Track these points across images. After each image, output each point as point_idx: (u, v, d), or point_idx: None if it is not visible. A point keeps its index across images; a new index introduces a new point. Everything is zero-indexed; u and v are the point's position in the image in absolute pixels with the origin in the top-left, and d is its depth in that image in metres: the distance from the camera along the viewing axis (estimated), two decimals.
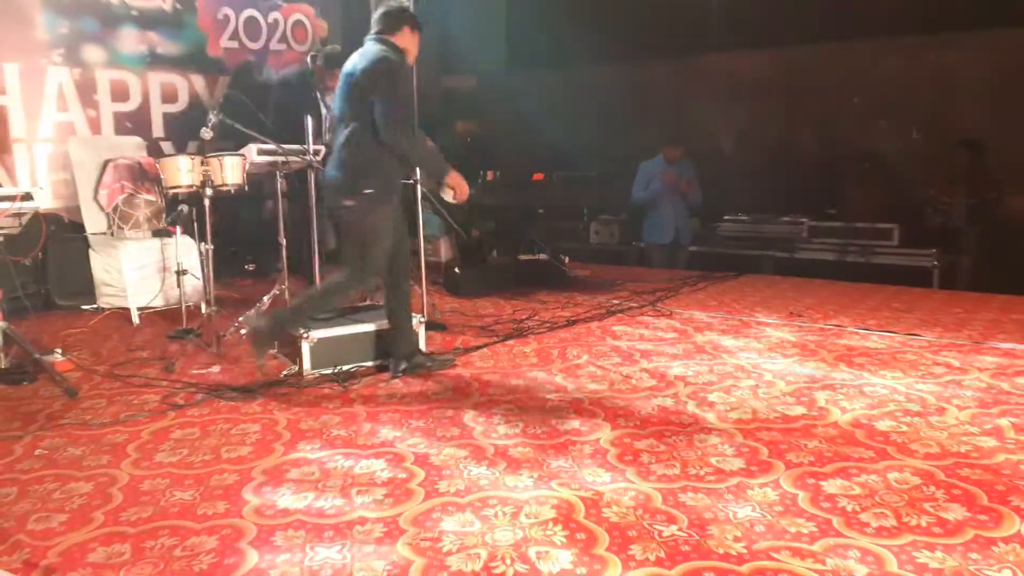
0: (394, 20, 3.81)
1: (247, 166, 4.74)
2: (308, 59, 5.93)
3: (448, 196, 3.78)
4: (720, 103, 8.21)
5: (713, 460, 2.79)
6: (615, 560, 2.14)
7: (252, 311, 4.78)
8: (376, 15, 3.86)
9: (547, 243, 6.64)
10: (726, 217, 7.80)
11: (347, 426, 3.23)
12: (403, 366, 3.95)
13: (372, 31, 3.84)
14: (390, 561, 2.16)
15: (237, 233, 6.47)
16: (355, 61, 3.79)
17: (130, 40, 6.63)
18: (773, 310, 5.30)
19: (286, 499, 2.57)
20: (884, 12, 6.84)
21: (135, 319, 5.27)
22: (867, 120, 7.46)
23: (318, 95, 5.77)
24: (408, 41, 3.84)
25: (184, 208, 4.96)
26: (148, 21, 6.72)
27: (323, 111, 5.74)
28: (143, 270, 5.45)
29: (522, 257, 6.64)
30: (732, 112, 8.20)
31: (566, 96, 8.83)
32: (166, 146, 6.72)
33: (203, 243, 4.71)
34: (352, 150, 3.70)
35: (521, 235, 6.46)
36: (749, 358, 4.12)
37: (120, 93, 6.59)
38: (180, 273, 4.78)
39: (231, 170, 4.59)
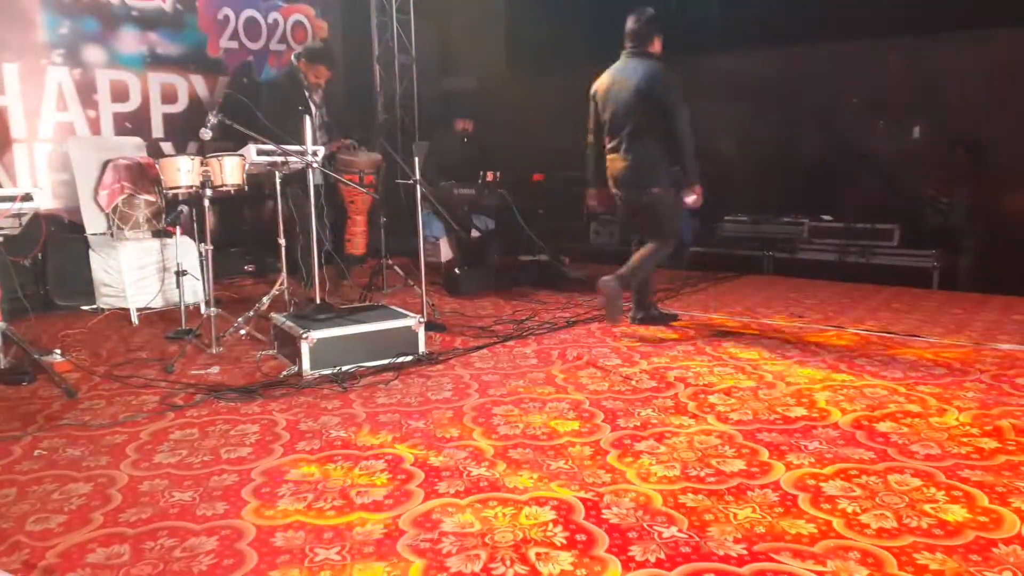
0: (646, 34, 4.54)
1: (246, 166, 4.74)
2: (293, 57, 5.95)
3: (690, 199, 4.53)
4: (720, 103, 8.19)
5: (713, 461, 2.79)
6: (615, 561, 2.13)
7: (251, 312, 4.79)
8: (629, 29, 4.56)
9: (547, 243, 6.63)
10: (726, 217, 7.79)
11: (346, 427, 3.23)
12: (640, 315, 4.85)
13: (629, 46, 4.58)
14: (390, 562, 2.16)
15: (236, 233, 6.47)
16: (625, 77, 4.53)
17: (130, 40, 6.63)
18: (775, 310, 5.30)
19: (285, 500, 2.56)
20: (884, 12, 6.83)
21: (134, 320, 5.27)
22: (867, 120, 7.45)
23: (307, 93, 5.77)
24: (658, 46, 4.58)
25: (184, 209, 4.96)
26: (148, 21, 6.73)
27: (312, 109, 5.73)
28: (143, 271, 5.46)
29: (522, 257, 6.64)
30: (732, 112, 8.19)
31: (566, 97, 8.81)
32: (166, 146, 6.73)
33: (203, 244, 4.71)
34: (641, 149, 4.54)
35: (521, 235, 6.46)
36: (750, 359, 4.12)
37: (120, 93, 6.59)
38: (180, 274, 4.78)
39: (231, 171, 4.59)
